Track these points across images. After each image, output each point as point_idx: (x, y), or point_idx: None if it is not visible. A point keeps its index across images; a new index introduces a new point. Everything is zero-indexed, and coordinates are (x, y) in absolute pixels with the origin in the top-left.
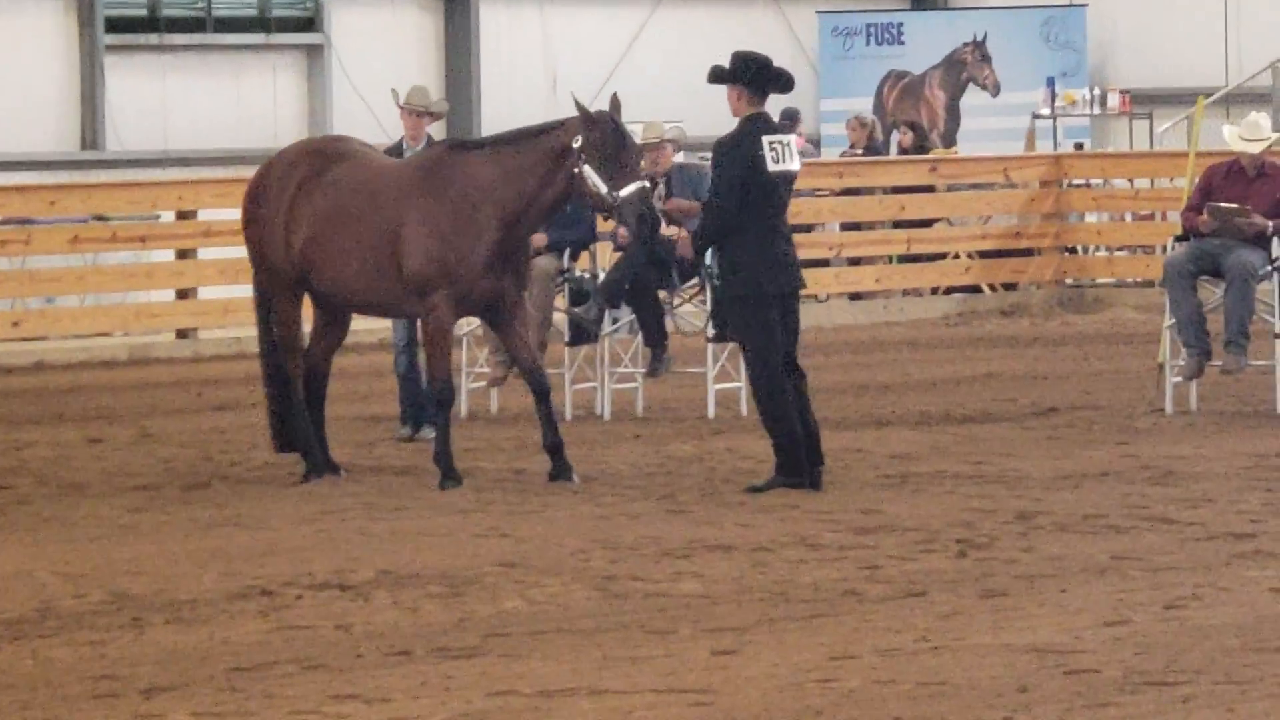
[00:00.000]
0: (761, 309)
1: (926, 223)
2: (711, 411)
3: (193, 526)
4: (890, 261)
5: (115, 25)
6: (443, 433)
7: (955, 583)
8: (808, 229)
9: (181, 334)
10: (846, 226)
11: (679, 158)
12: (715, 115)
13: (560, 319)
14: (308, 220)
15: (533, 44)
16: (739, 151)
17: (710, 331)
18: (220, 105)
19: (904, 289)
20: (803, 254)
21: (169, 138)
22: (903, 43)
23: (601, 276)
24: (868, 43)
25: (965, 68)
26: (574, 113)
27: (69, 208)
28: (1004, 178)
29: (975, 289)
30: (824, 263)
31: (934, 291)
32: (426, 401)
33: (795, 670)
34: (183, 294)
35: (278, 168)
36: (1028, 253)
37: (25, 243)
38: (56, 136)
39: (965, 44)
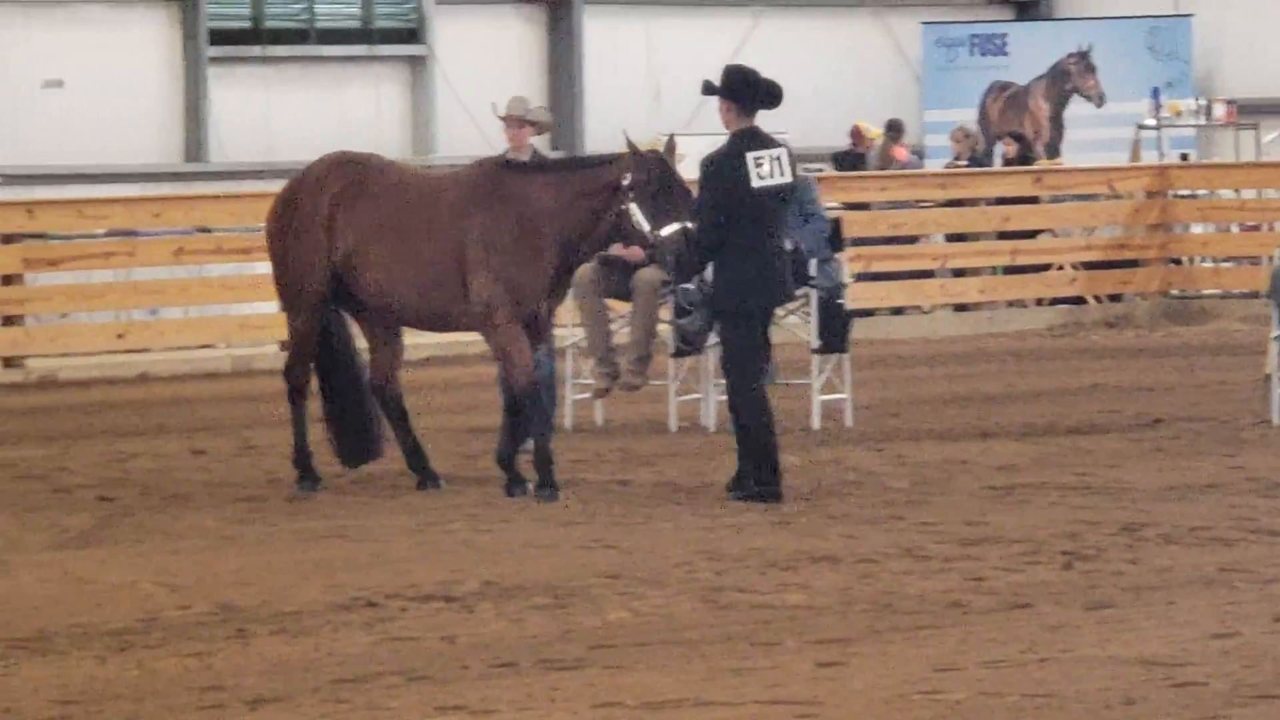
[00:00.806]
0: (748, 324)
1: (1031, 234)
2: (816, 423)
3: (297, 538)
4: (995, 273)
5: (219, 37)
6: (544, 440)
7: (1061, 594)
8: (912, 240)
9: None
10: (951, 238)
11: None
12: (819, 126)
13: (665, 330)
14: (353, 230)
15: (636, 55)
16: (723, 168)
17: (816, 343)
18: (323, 117)
19: (1008, 300)
20: (907, 265)
21: (272, 149)
22: (1007, 53)
23: (706, 288)
24: (972, 53)
25: (1070, 78)
26: (678, 124)
27: (173, 219)
28: (1109, 189)
29: (1080, 300)
30: (928, 274)
31: (1038, 303)
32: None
33: (901, 682)
34: None
35: (310, 180)
36: (1133, 264)
37: (130, 254)
38: (161, 148)
39: (1070, 55)
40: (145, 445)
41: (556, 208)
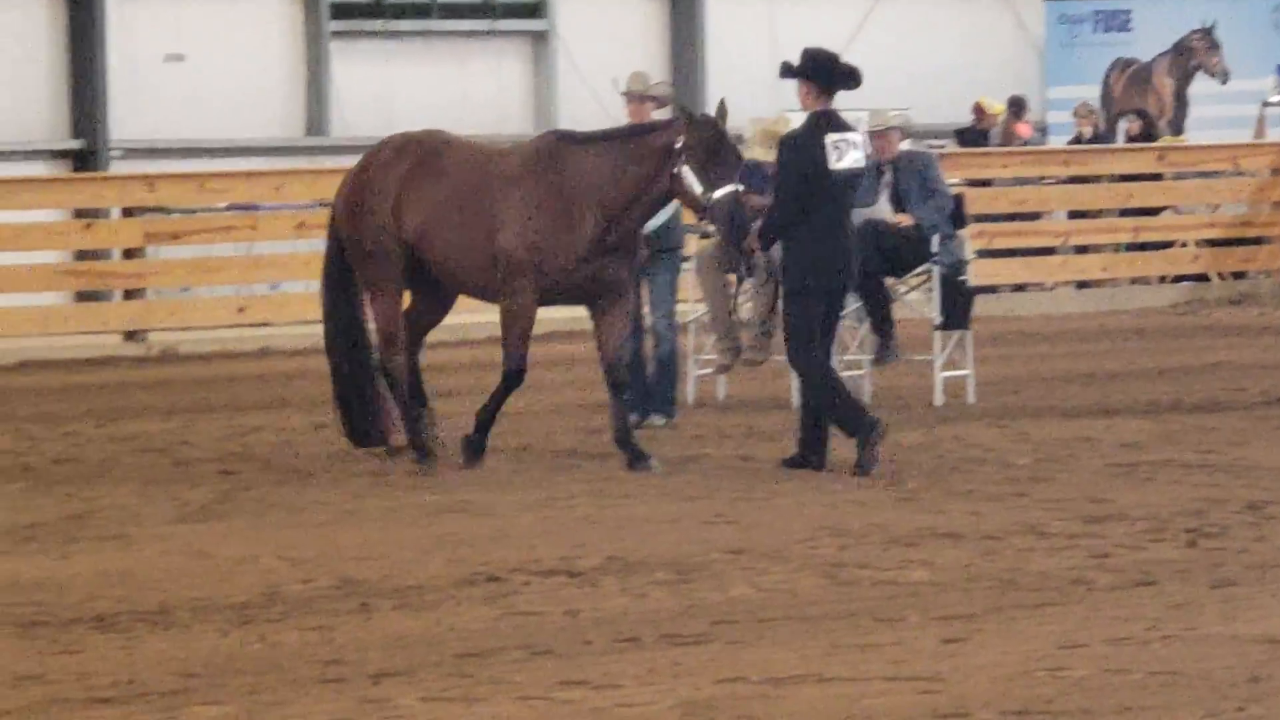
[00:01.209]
0: (811, 304)
1: (1154, 211)
2: (939, 399)
3: (419, 512)
4: (1117, 250)
5: (340, 11)
6: (494, 408)
7: (1185, 572)
8: (1035, 217)
9: None
10: (1074, 214)
11: (905, 145)
12: (942, 103)
13: None
14: (419, 208)
15: (758, 32)
16: (802, 149)
17: (938, 319)
18: (445, 92)
19: (1131, 277)
20: (1029, 242)
21: (394, 124)
22: (1130, 30)
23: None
24: (1095, 30)
25: (1194, 55)
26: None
27: (294, 193)
28: (1233, 166)
29: (1203, 278)
30: (1051, 251)
31: (1161, 280)
32: (652, 389)
33: (1024, 658)
34: None
35: (379, 159)
36: (1257, 241)
37: (251, 228)
38: (282, 122)
39: (1194, 31)
40: (266, 419)
41: (604, 174)
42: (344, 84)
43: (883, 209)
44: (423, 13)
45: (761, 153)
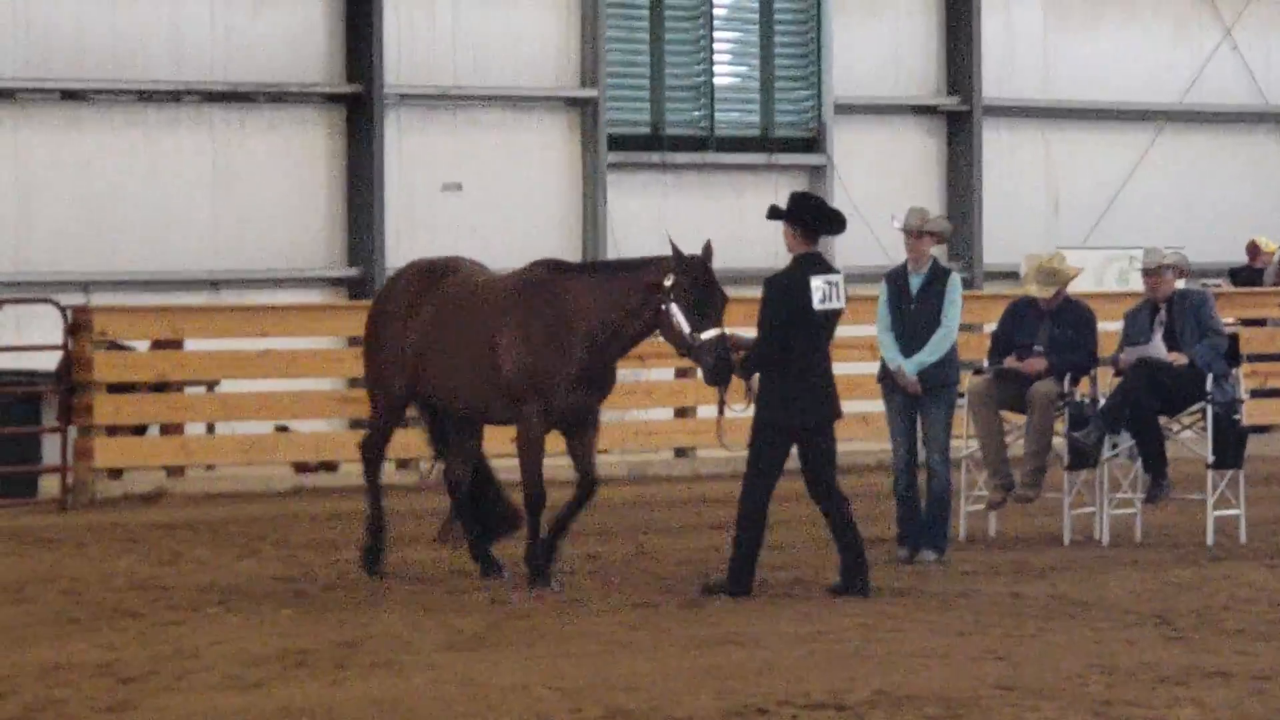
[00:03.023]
0: (778, 440)
1: None
2: (1210, 539)
3: (689, 644)
4: None
5: (618, 143)
6: (534, 533)
7: None
8: None
9: (680, 452)
10: None
11: (1180, 284)
12: (1216, 241)
13: (1060, 443)
14: (417, 331)
15: (1035, 167)
16: (787, 289)
17: (1210, 458)
18: (721, 224)
19: None
20: None
21: None
22: None
23: (1101, 401)
24: None
25: None
26: (1077, 237)
27: None
28: None
29: None
30: None
31: None
32: (926, 524)
33: None
34: (681, 412)
35: (392, 289)
36: None
37: None
38: (558, 253)
39: None
40: None
41: (589, 306)
42: (620, 216)
43: (1157, 347)
44: (700, 145)
45: (1036, 289)
